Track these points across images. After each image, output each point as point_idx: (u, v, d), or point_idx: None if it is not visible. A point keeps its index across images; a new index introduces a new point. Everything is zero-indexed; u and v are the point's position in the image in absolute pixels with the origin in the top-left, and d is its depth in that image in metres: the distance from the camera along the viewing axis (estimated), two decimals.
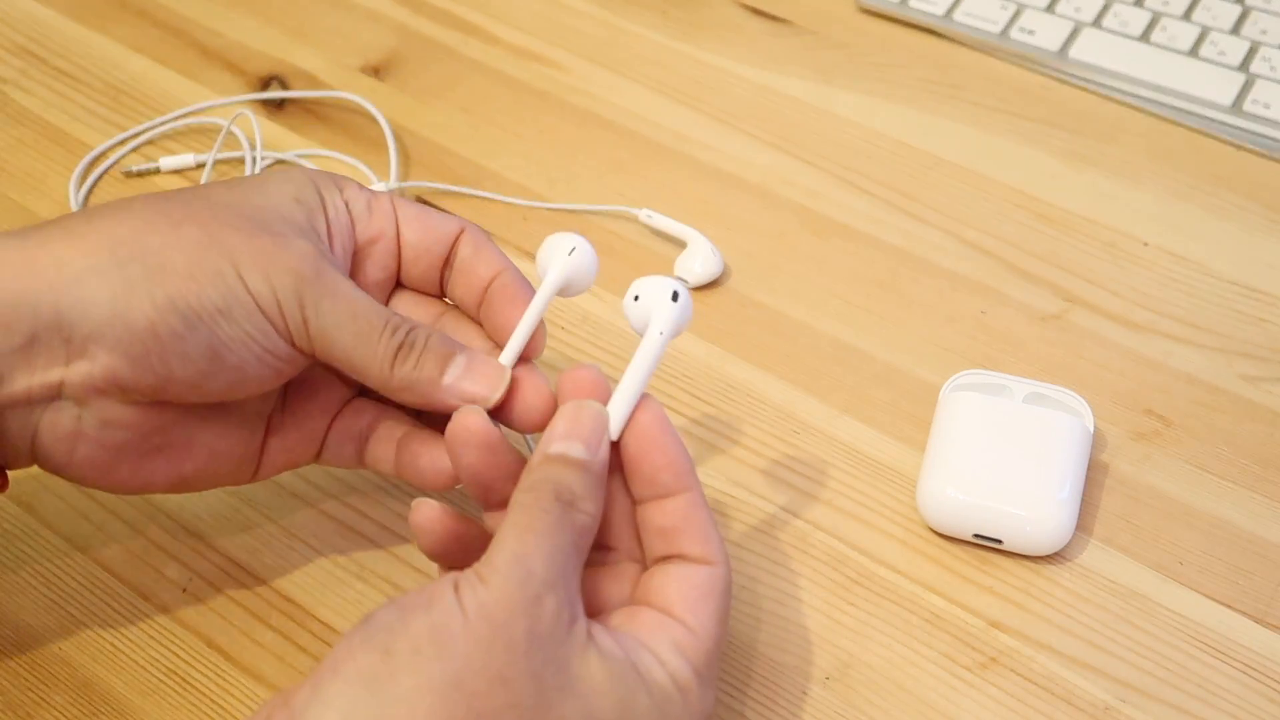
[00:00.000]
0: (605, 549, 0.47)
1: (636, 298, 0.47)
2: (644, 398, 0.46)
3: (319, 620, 0.52)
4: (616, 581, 0.47)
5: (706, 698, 0.44)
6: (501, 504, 0.46)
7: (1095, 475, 0.56)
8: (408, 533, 0.55)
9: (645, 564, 0.47)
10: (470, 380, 0.47)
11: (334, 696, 0.39)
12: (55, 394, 0.45)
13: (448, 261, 0.50)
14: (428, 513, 0.46)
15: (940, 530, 0.54)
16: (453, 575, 0.42)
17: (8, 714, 0.50)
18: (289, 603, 0.53)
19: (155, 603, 0.53)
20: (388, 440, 0.50)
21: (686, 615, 0.44)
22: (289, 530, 0.55)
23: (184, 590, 0.53)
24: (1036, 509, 0.53)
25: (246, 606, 0.53)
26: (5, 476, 0.48)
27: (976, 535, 0.53)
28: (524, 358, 0.48)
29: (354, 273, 0.50)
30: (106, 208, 0.47)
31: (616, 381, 0.46)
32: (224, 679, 0.51)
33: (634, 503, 0.46)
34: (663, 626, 0.44)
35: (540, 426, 0.47)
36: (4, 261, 0.44)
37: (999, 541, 0.53)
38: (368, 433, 0.51)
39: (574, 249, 0.48)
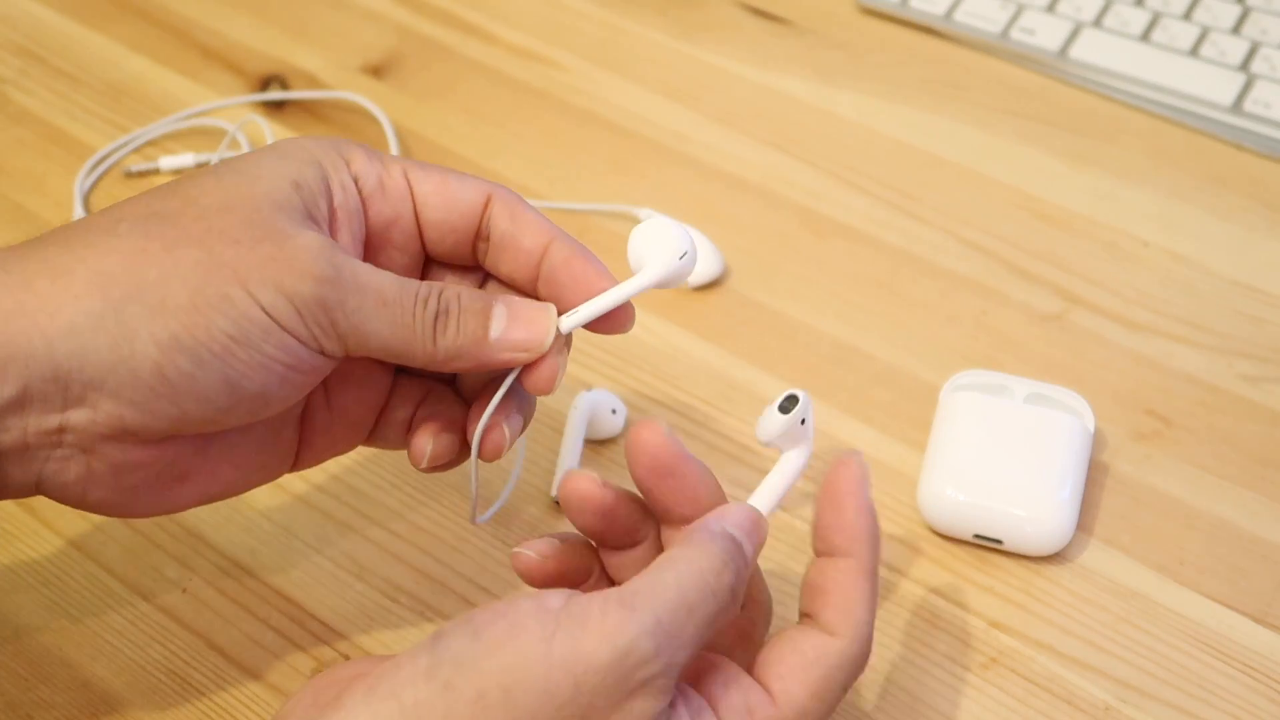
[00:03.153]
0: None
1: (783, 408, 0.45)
2: (853, 454, 0.44)
3: (319, 620, 0.52)
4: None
5: None
6: (621, 545, 0.44)
7: (1096, 475, 0.56)
8: (408, 533, 0.55)
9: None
10: (517, 328, 0.44)
11: (380, 716, 0.37)
12: (57, 441, 0.41)
13: (479, 234, 0.46)
14: (584, 484, 0.43)
15: (940, 530, 0.54)
16: (557, 604, 0.38)
17: (8, 714, 0.50)
18: (289, 603, 0.53)
19: (155, 603, 0.53)
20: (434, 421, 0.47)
21: (774, 681, 0.41)
22: (289, 530, 0.55)
23: (184, 590, 0.53)
24: (1037, 509, 0.53)
25: (246, 606, 0.53)
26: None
27: (977, 535, 0.53)
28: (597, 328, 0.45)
29: (372, 258, 0.46)
30: (89, 231, 0.42)
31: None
32: (224, 679, 0.51)
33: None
34: (742, 690, 0.41)
35: (549, 386, 0.45)
36: None
37: (999, 542, 0.53)
38: (416, 416, 0.48)
39: (684, 254, 0.45)
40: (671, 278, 0.45)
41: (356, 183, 0.45)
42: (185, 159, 0.69)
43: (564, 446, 0.56)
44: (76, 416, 0.41)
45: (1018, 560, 0.54)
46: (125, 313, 0.40)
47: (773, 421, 0.45)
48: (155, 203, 0.43)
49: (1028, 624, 0.52)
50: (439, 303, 0.43)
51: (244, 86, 0.74)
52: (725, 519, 0.42)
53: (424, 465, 0.47)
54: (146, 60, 0.76)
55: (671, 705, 0.39)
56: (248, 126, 0.70)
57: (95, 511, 0.44)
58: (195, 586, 0.53)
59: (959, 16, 0.76)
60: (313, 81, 0.74)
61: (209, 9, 0.79)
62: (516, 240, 0.45)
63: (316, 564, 0.54)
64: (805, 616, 0.43)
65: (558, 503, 0.55)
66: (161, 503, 0.45)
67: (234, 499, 0.55)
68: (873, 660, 0.51)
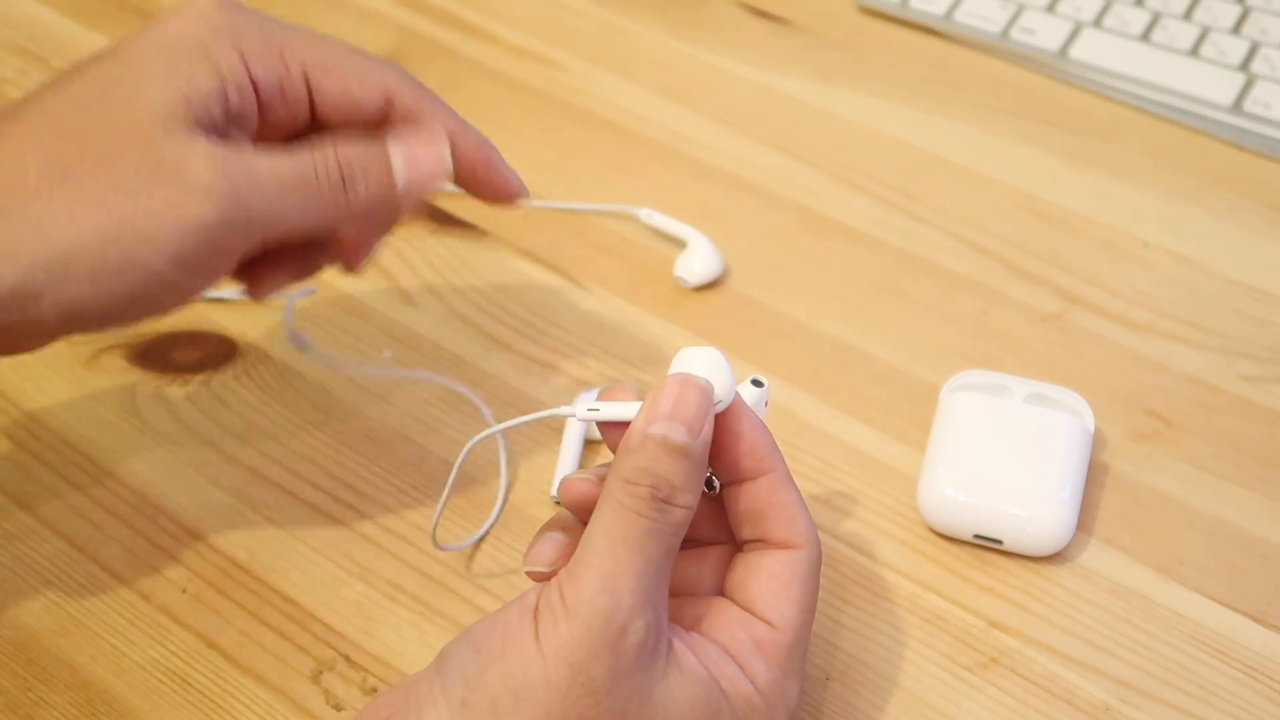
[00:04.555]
0: (692, 541, 0.46)
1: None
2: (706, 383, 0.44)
3: (319, 620, 0.52)
4: (705, 565, 0.46)
5: (790, 691, 0.43)
6: None
7: (1096, 475, 0.56)
8: (408, 533, 0.55)
9: (736, 544, 0.46)
10: (417, 167, 0.45)
11: None
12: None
13: (382, 125, 0.47)
14: (582, 485, 0.44)
15: (940, 530, 0.54)
16: (533, 600, 0.41)
17: (8, 714, 0.50)
18: (289, 603, 0.53)
19: (155, 603, 0.53)
20: None
21: (768, 611, 0.43)
22: (289, 530, 0.55)
23: (184, 590, 0.53)
24: (1037, 509, 0.53)
25: (246, 606, 0.53)
26: None
27: (977, 535, 0.53)
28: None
29: (260, 140, 0.46)
30: (18, 155, 0.43)
31: None
32: (224, 679, 0.51)
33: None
34: (745, 626, 0.43)
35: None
36: None
37: (999, 542, 0.53)
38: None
39: (720, 402, 0.43)
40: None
41: (255, 85, 0.45)
42: None
43: (564, 447, 0.56)
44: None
45: (1018, 560, 0.54)
46: (32, 280, 0.42)
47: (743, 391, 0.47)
48: (46, 124, 0.43)
49: (1028, 624, 0.52)
50: (339, 168, 0.44)
51: None
52: (629, 437, 0.42)
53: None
54: None
55: (673, 648, 0.41)
56: None
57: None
58: (195, 586, 0.53)
59: (959, 16, 0.76)
60: None
61: None
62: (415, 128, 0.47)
63: (316, 564, 0.54)
64: (754, 542, 0.45)
65: (559, 503, 0.55)
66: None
67: (234, 499, 0.56)
68: (872, 660, 0.51)
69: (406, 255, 0.66)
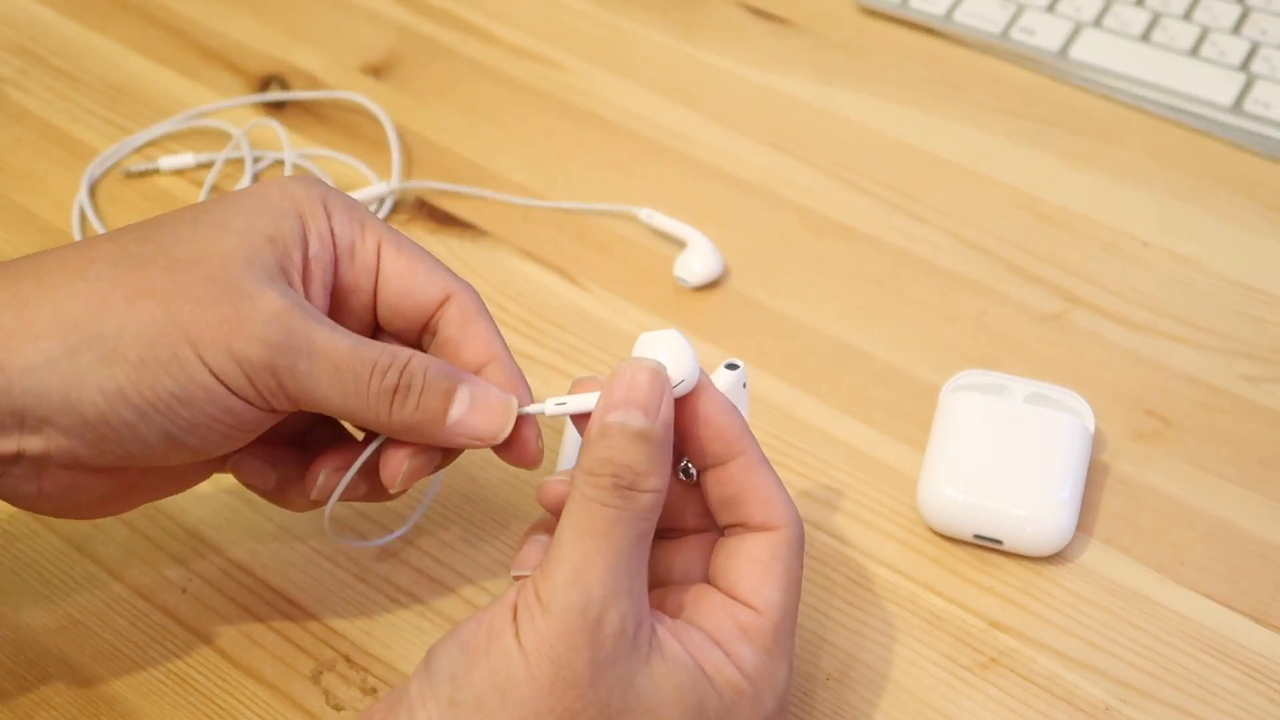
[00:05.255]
0: (672, 530, 0.46)
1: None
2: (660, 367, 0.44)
3: (319, 620, 0.52)
4: (687, 552, 0.46)
5: (778, 674, 0.43)
6: None
7: (1096, 475, 0.56)
8: (408, 533, 0.55)
9: (718, 531, 0.46)
10: (476, 416, 0.44)
11: None
12: (14, 461, 0.43)
13: (427, 327, 0.47)
14: (560, 488, 0.44)
15: (940, 530, 0.54)
16: (513, 598, 0.41)
17: (8, 714, 0.50)
18: (289, 603, 0.53)
19: (155, 603, 0.53)
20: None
21: (751, 595, 0.43)
22: (289, 530, 0.55)
23: (184, 590, 0.53)
24: (1037, 509, 0.53)
25: (246, 606, 0.53)
26: None
27: (977, 536, 0.53)
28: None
29: (333, 310, 0.46)
30: (62, 269, 0.43)
31: None
32: (224, 679, 0.51)
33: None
34: (729, 612, 0.43)
35: (535, 462, 0.46)
36: None
37: (999, 542, 0.53)
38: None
39: (680, 383, 0.43)
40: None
41: (334, 237, 0.46)
42: (185, 159, 0.69)
43: (564, 448, 0.56)
44: (31, 443, 0.43)
45: (1018, 560, 0.54)
46: (78, 360, 0.42)
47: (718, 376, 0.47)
48: (130, 245, 0.44)
49: (1028, 624, 0.52)
50: (400, 377, 0.44)
51: (244, 86, 0.74)
52: (589, 429, 0.42)
53: (314, 495, 0.48)
54: (146, 60, 0.76)
55: (656, 634, 0.41)
56: (259, 130, 0.70)
57: (40, 513, 0.47)
58: (195, 586, 0.53)
59: (959, 16, 0.76)
60: (313, 81, 0.74)
61: (209, 9, 0.79)
62: (458, 350, 0.46)
63: (316, 564, 0.54)
64: (734, 527, 0.45)
65: None
66: (106, 510, 0.47)
67: (234, 499, 0.56)
68: (872, 660, 0.51)
69: None
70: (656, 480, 0.42)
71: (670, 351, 0.43)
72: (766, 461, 0.45)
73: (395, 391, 0.43)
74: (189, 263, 0.43)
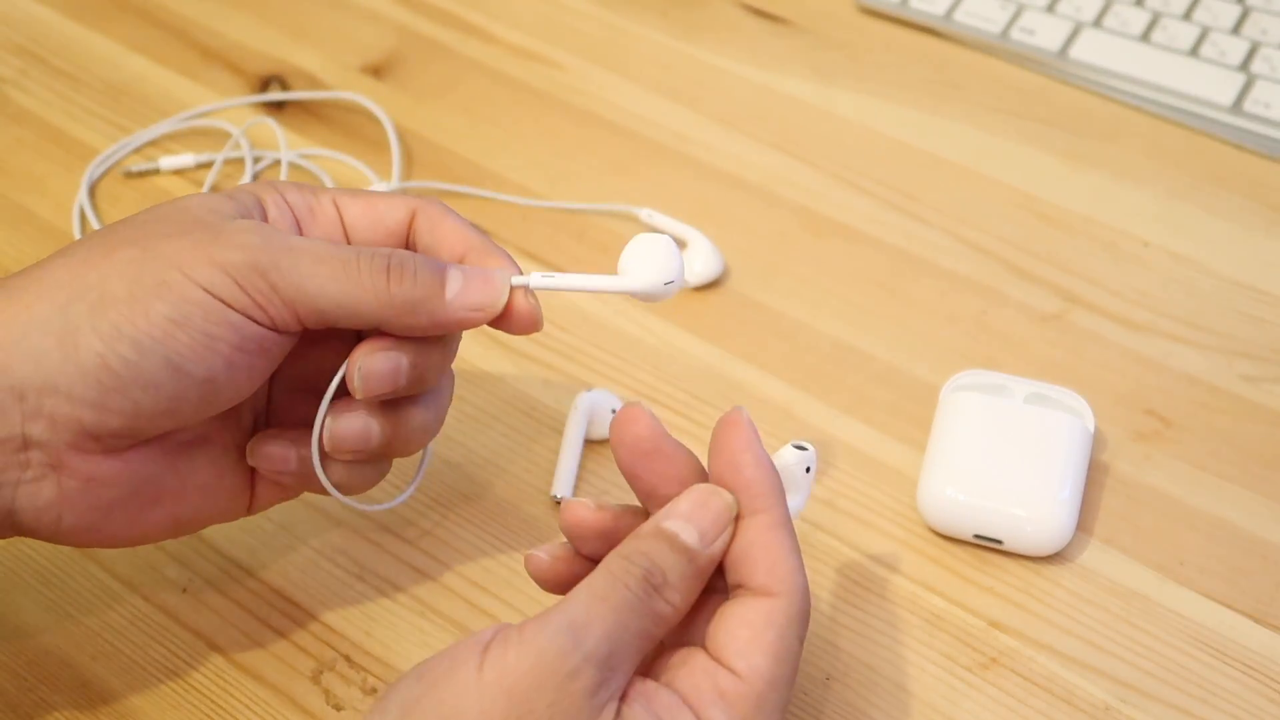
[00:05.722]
0: None
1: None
2: (736, 409, 0.44)
3: (319, 620, 0.52)
4: (694, 614, 0.44)
5: None
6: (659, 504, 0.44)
7: (1096, 475, 0.56)
8: (408, 533, 0.55)
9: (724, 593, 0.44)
10: (471, 289, 0.45)
11: None
12: (24, 462, 0.43)
13: (406, 248, 0.47)
14: (580, 511, 0.44)
15: (940, 530, 0.54)
16: (487, 636, 0.40)
17: (8, 714, 0.50)
18: (289, 603, 0.53)
19: (155, 603, 0.53)
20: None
21: (736, 659, 0.41)
22: (289, 530, 0.55)
23: (184, 590, 0.53)
24: (1037, 509, 0.53)
25: (246, 606, 0.53)
26: None
27: (977, 535, 0.53)
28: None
29: None
30: (50, 257, 0.45)
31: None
32: (224, 679, 0.51)
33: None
34: (709, 675, 0.41)
35: (536, 325, 0.46)
36: None
37: (999, 542, 0.53)
38: None
39: (670, 283, 0.46)
40: (650, 294, 0.46)
41: (290, 206, 0.47)
42: (185, 159, 0.69)
43: (564, 446, 0.57)
44: (36, 428, 0.42)
45: (1018, 560, 0.54)
46: (69, 312, 0.42)
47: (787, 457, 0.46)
48: (112, 225, 0.46)
49: (1028, 624, 0.52)
50: (389, 259, 0.44)
51: (244, 86, 0.74)
52: (643, 526, 0.42)
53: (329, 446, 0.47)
54: (146, 60, 0.76)
55: (623, 698, 0.40)
56: (257, 129, 0.70)
57: (70, 541, 0.45)
58: (195, 586, 0.53)
59: (959, 16, 0.76)
60: (313, 81, 0.74)
61: (209, 9, 0.79)
62: (437, 252, 0.47)
63: (316, 564, 0.54)
64: (737, 588, 0.43)
65: (558, 502, 0.55)
66: (133, 527, 0.46)
67: None
68: (872, 660, 0.51)
69: None
70: (680, 598, 0.42)
71: (663, 255, 0.46)
72: (789, 528, 0.43)
73: (389, 270, 0.44)
74: (157, 220, 0.45)
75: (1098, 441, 0.57)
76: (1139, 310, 0.63)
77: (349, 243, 0.47)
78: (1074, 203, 0.67)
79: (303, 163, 0.70)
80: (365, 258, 0.44)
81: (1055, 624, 0.52)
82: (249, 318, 0.43)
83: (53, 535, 0.45)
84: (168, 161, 0.69)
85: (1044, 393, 0.56)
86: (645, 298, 0.47)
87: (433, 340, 0.46)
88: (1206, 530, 0.55)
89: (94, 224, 0.67)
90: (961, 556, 0.54)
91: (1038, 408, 0.55)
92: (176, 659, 0.51)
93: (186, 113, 0.72)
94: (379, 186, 0.67)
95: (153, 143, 0.71)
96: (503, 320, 0.46)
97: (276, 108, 0.73)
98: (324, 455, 0.47)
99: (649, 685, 0.41)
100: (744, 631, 0.41)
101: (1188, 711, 0.50)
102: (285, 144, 0.69)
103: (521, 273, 0.47)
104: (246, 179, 0.69)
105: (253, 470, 0.48)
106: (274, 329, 0.44)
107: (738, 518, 0.43)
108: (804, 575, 0.43)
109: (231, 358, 0.43)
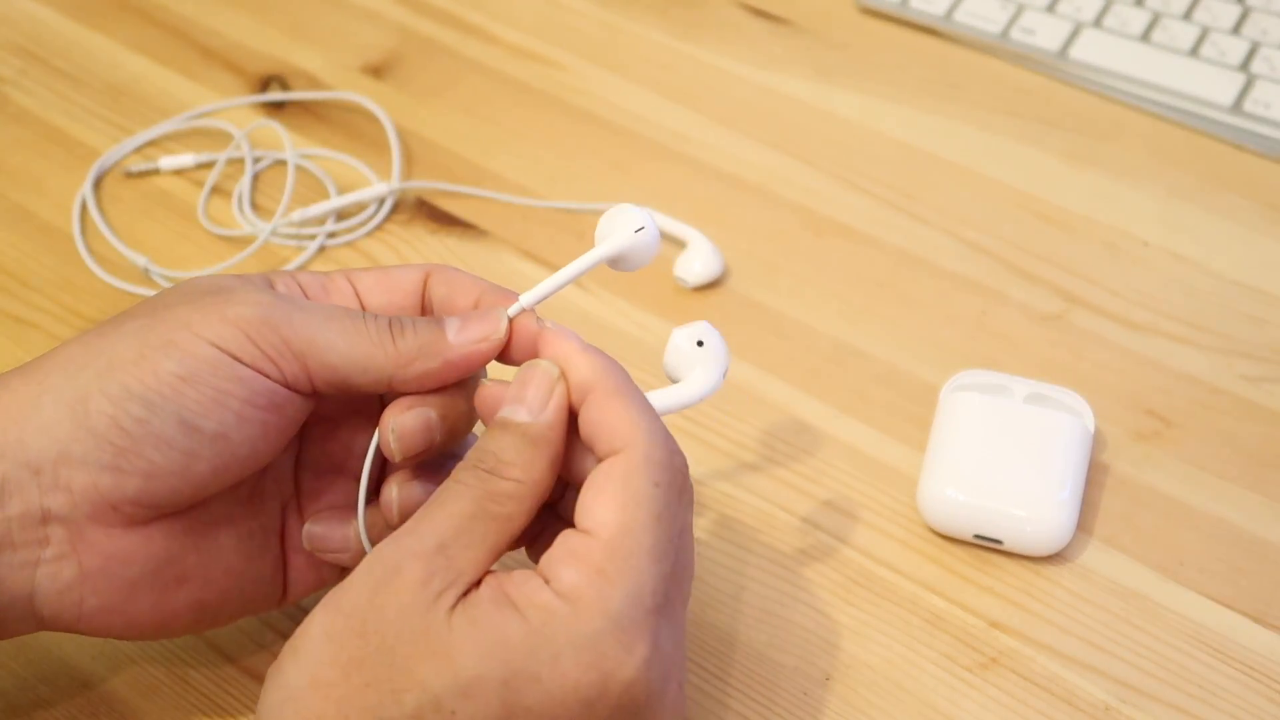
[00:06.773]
0: None
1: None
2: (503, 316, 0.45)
3: None
4: None
5: (610, 594, 0.40)
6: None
7: (1096, 475, 0.56)
8: None
9: None
10: (470, 326, 0.45)
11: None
12: (44, 539, 0.42)
13: (423, 310, 0.48)
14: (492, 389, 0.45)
15: (940, 530, 0.54)
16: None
17: (8, 715, 0.50)
18: None
19: None
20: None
21: (584, 519, 0.41)
22: None
23: None
24: (1037, 509, 0.53)
25: None
26: None
27: (977, 536, 0.53)
28: None
29: None
30: (67, 340, 0.45)
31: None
32: (224, 679, 0.51)
33: None
34: (562, 542, 0.41)
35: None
36: None
37: (999, 542, 0.53)
38: None
39: (641, 229, 0.46)
40: (628, 251, 0.46)
41: (300, 285, 0.47)
42: (185, 159, 0.69)
43: None
44: (54, 500, 0.42)
45: (1018, 560, 0.54)
46: (79, 380, 0.43)
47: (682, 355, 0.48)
48: (114, 318, 0.46)
49: (1028, 624, 0.52)
50: (391, 319, 0.45)
51: (244, 86, 0.74)
52: (499, 408, 0.44)
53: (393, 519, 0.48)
54: (146, 60, 0.76)
55: (477, 586, 0.41)
56: (259, 130, 0.70)
57: (93, 628, 0.44)
58: None
59: (959, 16, 0.76)
60: (313, 81, 0.74)
61: (209, 9, 0.79)
62: (453, 302, 0.47)
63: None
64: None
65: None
66: (158, 611, 0.45)
67: None
68: (872, 660, 0.51)
69: (406, 256, 0.66)
70: (520, 472, 0.42)
71: (626, 214, 0.46)
72: (626, 393, 0.43)
73: (391, 326, 0.45)
74: (170, 293, 0.45)
75: (1098, 441, 0.57)
76: (1139, 310, 0.63)
77: (364, 309, 0.47)
78: (1074, 203, 0.67)
79: (303, 163, 0.70)
80: (370, 319, 0.45)
81: (1055, 624, 0.52)
82: (259, 371, 0.43)
83: (74, 621, 0.44)
84: (168, 161, 0.69)
85: (1044, 393, 0.56)
86: (624, 261, 0.47)
87: (454, 390, 0.46)
88: (1207, 530, 0.55)
89: (97, 220, 0.67)
90: (961, 556, 0.54)
91: (1038, 408, 0.55)
92: (176, 659, 0.51)
93: (187, 113, 0.72)
94: (378, 187, 0.67)
95: (153, 143, 0.71)
96: (513, 350, 0.46)
97: (277, 108, 0.73)
98: (373, 524, 0.48)
99: (506, 572, 0.42)
100: (587, 494, 0.42)
101: (1188, 712, 0.50)
102: (289, 144, 0.69)
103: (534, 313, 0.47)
104: (247, 179, 0.69)
105: (285, 558, 0.48)
106: (285, 384, 0.44)
107: (577, 410, 0.43)
108: (651, 426, 0.42)
109: (242, 412, 0.43)
